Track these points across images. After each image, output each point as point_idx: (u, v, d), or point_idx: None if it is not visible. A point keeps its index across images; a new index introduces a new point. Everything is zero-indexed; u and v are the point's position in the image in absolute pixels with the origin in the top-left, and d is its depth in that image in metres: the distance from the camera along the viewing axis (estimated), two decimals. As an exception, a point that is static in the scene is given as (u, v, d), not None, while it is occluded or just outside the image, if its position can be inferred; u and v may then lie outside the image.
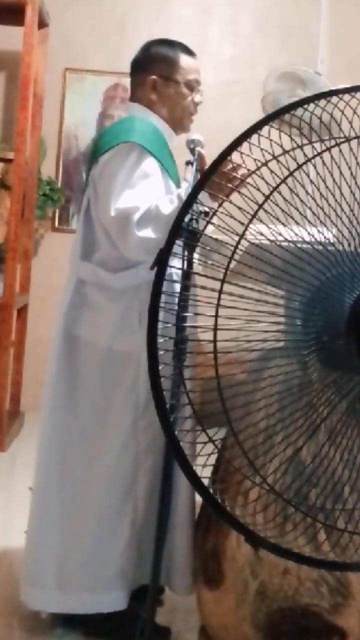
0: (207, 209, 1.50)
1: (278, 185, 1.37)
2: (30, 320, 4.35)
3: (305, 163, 1.40)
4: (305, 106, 1.39)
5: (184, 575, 2.05)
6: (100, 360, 2.03)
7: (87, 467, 2.04)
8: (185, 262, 1.55)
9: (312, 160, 1.40)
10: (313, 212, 1.41)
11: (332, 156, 1.39)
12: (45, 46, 4.33)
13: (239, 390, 1.48)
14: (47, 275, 4.33)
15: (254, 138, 1.35)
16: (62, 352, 2.07)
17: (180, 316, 1.49)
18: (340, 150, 1.39)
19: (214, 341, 1.38)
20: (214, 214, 1.48)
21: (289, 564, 1.70)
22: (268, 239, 1.42)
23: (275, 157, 1.37)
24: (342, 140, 1.40)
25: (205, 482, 1.47)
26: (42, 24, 4.20)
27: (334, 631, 1.76)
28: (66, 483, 2.05)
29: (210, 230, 1.48)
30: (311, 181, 1.39)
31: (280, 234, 1.41)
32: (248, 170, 1.40)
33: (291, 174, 1.37)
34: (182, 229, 1.45)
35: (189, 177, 1.83)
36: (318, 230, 1.42)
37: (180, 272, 1.58)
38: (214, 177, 1.49)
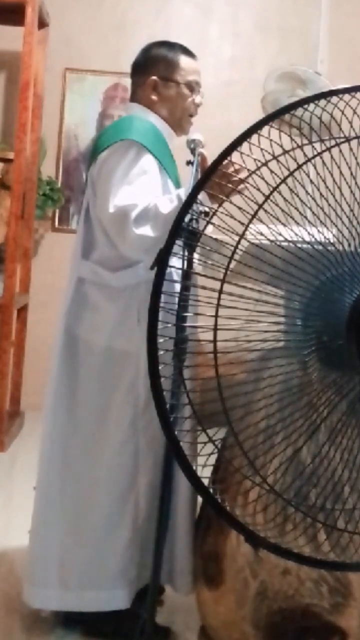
0: (207, 209, 1.50)
1: (278, 185, 1.37)
2: (30, 320, 4.35)
3: (305, 163, 1.40)
4: (305, 106, 1.39)
5: (185, 574, 2.05)
6: (100, 359, 2.04)
7: (88, 465, 2.04)
8: (185, 262, 1.55)
9: (312, 160, 1.40)
10: (313, 212, 1.41)
11: (332, 156, 1.39)
12: (45, 46, 4.33)
13: (239, 390, 1.48)
14: (47, 275, 4.33)
15: (254, 138, 1.35)
16: (63, 352, 2.07)
17: (180, 316, 1.49)
18: (340, 150, 1.39)
19: (214, 341, 1.38)
20: (214, 214, 1.48)
21: (289, 564, 1.70)
22: (268, 239, 1.42)
23: (275, 157, 1.37)
24: (342, 140, 1.40)
25: (205, 482, 1.47)
26: (42, 24, 4.20)
27: (334, 631, 1.76)
28: (68, 481, 2.05)
29: (210, 230, 1.48)
30: (311, 181, 1.39)
31: (280, 234, 1.41)
32: (248, 170, 1.40)
33: (291, 174, 1.37)
34: (182, 229, 1.46)
35: (191, 178, 1.83)
36: (318, 230, 1.42)
37: (180, 272, 1.58)
38: (214, 177, 1.49)
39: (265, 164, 1.37)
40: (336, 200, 1.40)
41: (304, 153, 1.40)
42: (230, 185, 1.56)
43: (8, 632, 2.11)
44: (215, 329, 1.37)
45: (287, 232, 1.42)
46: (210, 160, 1.78)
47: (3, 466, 3.62)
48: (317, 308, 1.46)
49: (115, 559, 2.03)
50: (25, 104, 3.87)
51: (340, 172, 1.39)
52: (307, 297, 1.46)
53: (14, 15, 3.95)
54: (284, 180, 1.37)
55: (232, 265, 1.38)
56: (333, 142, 1.41)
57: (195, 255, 1.57)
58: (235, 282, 1.38)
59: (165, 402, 1.42)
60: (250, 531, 1.47)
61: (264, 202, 1.37)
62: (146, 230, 1.86)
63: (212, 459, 1.51)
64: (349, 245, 1.45)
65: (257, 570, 1.79)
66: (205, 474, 1.48)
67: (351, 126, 1.39)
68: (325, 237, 1.43)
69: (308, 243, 1.42)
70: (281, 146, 1.39)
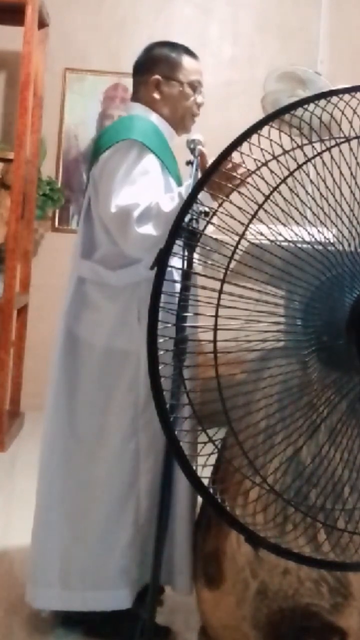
0: (207, 209, 1.50)
1: (278, 185, 1.37)
2: (30, 320, 4.35)
3: (305, 163, 1.40)
4: (305, 106, 1.39)
5: (184, 574, 2.05)
6: (100, 358, 2.04)
7: (89, 465, 2.04)
8: (185, 262, 1.55)
9: (312, 160, 1.40)
10: (313, 212, 1.41)
11: (332, 156, 1.39)
12: (45, 46, 4.33)
13: (239, 390, 1.48)
14: (47, 275, 4.33)
15: (254, 138, 1.35)
16: (63, 351, 2.07)
17: (180, 316, 1.49)
18: (340, 150, 1.39)
19: (214, 341, 1.38)
20: (214, 214, 1.48)
21: (289, 564, 1.70)
22: (268, 239, 1.42)
23: (275, 157, 1.37)
24: (342, 140, 1.40)
25: (205, 482, 1.47)
26: (42, 24, 4.20)
27: (334, 631, 1.76)
28: (69, 481, 2.05)
29: (210, 230, 1.48)
30: (311, 181, 1.39)
31: (280, 234, 1.41)
32: (248, 170, 1.40)
33: (291, 174, 1.37)
34: (182, 229, 1.46)
35: (191, 178, 1.83)
36: (318, 230, 1.42)
37: (179, 271, 1.58)
38: (214, 177, 1.49)
39: (265, 164, 1.37)
40: (336, 200, 1.40)
41: (304, 153, 1.40)
42: (230, 185, 1.56)
43: (8, 632, 2.11)
44: (215, 329, 1.37)
45: (287, 232, 1.42)
46: (210, 160, 1.79)
47: (3, 466, 3.62)
48: (317, 308, 1.46)
49: (117, 558, 2.03)
50: (25, 104, 3.87)
51: (340, 172, 1.39)
52: (307, 297, 1.46)
53: (14, 15, 3.95)
54: (284, 180, 1.37)
55: (232, 265, 1.38)
56: (333, 142, 1.41)
57: (195, 255, 1.57)
58: (235, 282, 1.38)
59: (165, 402, 1.42)
60: (250, 531, 1.47)
61: (264, 202, 1.37)
62: (148, 229, 1.87)
63: (212, 459, 1.51)
64: (349, 245, 1.45)
65: (257, 570, 1.79)
66: (205, 474, 1.48)
67: (351, 126, 1.39)
68: (325, 237, 1.43)
69: (308, 243, 1.42)
70: (281, 146, 1.39)
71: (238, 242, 1.37)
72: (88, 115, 4.62)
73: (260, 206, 1.37)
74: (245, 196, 1.40)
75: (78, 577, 2.03)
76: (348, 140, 1.40)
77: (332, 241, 1.44)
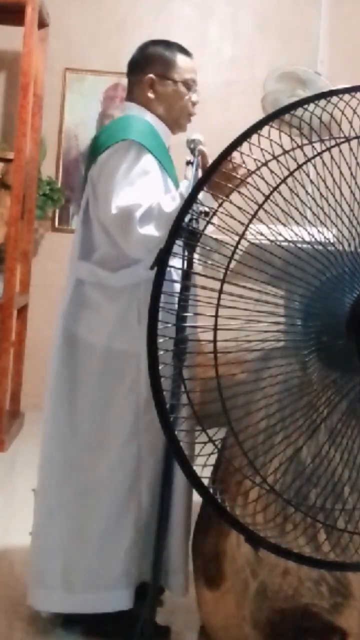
0: (207, 209, 1.50)
1: (278, 185, 1.37)
2: (30, 320, 4.34)
3: (305, 163, 1.40)
4: (305, 106, 1.39)
5: (179, 575, 2.05)
6: (100, 359, 2.03)
7: (90, 466, 2.04)
8: (185, 262, 1.55)
9: (312, 160, 1.40)
10: (313, 212, 1.41)
11: (332, 156, 1.39)
12: (45, 46, 4.33)
13: (239, 390, 1.48)
14: (47, 275, 4.33)
15: (254, 138, 1.35)
16: (62, 352, 2.07)
17: (180, 316, 1.49)
18: (340, 150, 1.39)
19: (214, 341, 1.38)
20: (214, 214, 1.48)
21: (289, 564, 1.70)
22: (268, 239, 1.42)
23: (275, 157, 1.37)
24: (342, 140, 1.40)
25: (205, 482, 1.47)
26: (42, 24, 4.19)
27: (334, 631, 1.76)
28: (69, 483, 2.05)
29: (210, 230, 1.48)
30: (311, 181, 1.39)
31: (280, 234, 1.41)
32: (248, 170, 1.40)
33: (291, 174, 1.37)
34: (182, 229, 1.46)
35: (190, 175, 1.83)
36: (318, 230, 1.42)
37: (179, 271, 1.58)
38: (214, 176, 1.49)
39: (265, 164, 1.37)
40: (336, 200, 1.40)
41: (304, 153, 1.40)
42: (230, 185, 1.56)
43: (8, 632, 2.11)
44: (215, 329, 1.37)
45: (287, 232, 1.42)
46: (211, 160, 1.78)
47: (3, 466, 3.62)
48: (317, 308, 1.46)
49: (118, 559, 2.02)
50: (25, 104, 3.87)
51: (340, 172, 1.39)
52: (307, 297, 1.46)
53: (14, 15, 3.95)
54: (284, 180, 1.37)
55: (232, 265, 1.38)
56: (333, 142, 1.41)
57: (195, 255, 1.57)
58: (235, 282, 1.38)
59: (165, 402, 1.42)
60: (250, 531, 1.47)
61: (264, 202, 1.37)
62: (150, 230, 1.86)
63: (212, 459, 1.51)
64: (349, 245, 1.45)
65: (257, 570, 1.79)
66: (205, 474, 1.48)
67: (351, 126, 1.39)
68: (325, 237, 1.43)
69: (308, 243, 1.42)
70: (281, 146, 1.39)
71: (238, 242, 1.37)
72: (88, 115, 4.62)
73: (260, 206, 1.37)
74: (245, 196, 1.40)
75: (80, 578, 2.03)
76: (348, 140, 1.40)
77: (332, 241, 1.44)
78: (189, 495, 2.05)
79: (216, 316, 1.37)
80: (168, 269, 1.41)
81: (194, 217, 1.49)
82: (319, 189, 1.38)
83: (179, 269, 1.54)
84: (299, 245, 1.42)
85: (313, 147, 1.41)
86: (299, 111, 1.40)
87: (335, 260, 1.44)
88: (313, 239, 1.43)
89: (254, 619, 1.80)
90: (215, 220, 1.47)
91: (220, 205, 1.45)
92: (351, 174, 1.41)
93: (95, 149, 2.05)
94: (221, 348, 1.38)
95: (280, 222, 1.40)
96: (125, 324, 2.02)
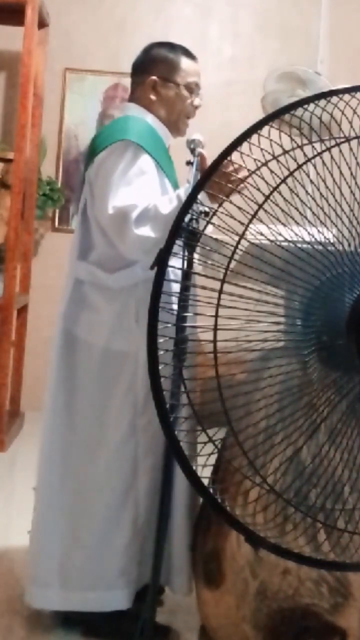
0: (207, 209, 1.50)
1: (278, 185, 1.37)
2: (30, 320, 4.34)
3: (305, 163, 1.40)
4: (305, 106, 1.39)
5: (182, 574, 2.05)
6: (98, 359, 2.04)
7: (88, 466, 2.04)
8: (185, 262, 1.55)
9: (312, 160, 1.40)
10: (313, 212, 1.41)
11: (332, 156, 1.39)
12: (45, 46, 4.32)
13: (239, 390, 1.48)
14: (47, 275, 4.33)
15: (254, 138, 1.35)
16: (61, 352, 2.07)
17: (180, 316, 1.49)
18: (340, 150, 1.39)
19: (214, 341, 1.38)
20: (214, 214, 1.48)
21: (289, 564, 1.70)
22: (268, 239, 1.42)
23: (275, 157, 1.37)
24: (342, 140, 1.40)
25: (205, 482, 1.47)
26: (42, 24, 4.19)
27: (334, 631, 1.76)
28: (68, 482, 2.05)
29: (210, 230, 1.48)
30: (311, 181, 1.39)
31: (280, 234, 1.41)
32: (248, 170, 1.40)
33: (291, 174, 1.37)
34: (182, 229, 1.45)
35: (191, 177, 1.83)
36: (318, 230, 1.42)
37: (178, 272, 1.58)
38: (214, 177, 1.49)
39: (265, 164, 1.37)
40: (336, 200, 1.40)
41: (304, 153, 1.40)
42: (230, 185, 1.56)
43: (8, 632, 2.11)
44: (215, 329, 1.37)
45: (287, 232, 1.42)
46: (210, 161, 1.78)
47: (3, 466, 3.62)
48: (317, 308, 1.46)
49: (115, 559, 2.03)
50: (25, 104, 3.87)
51: (340, 172, 1.39)
52: (307, 297, 1.46)
53: (14, 15, 3.95)
54: (284, 180, 1.37)
55: (232, 265, 1.38)
56: (333, 142, 1.41)
57: (195, 255, 1.57)
58: (235, 282, 1.38)
59: (165, 402, 1.42)
60: (250, 531, 1.47)
61: (264, 202, 1.37)
62: (146, 231, 1.86)
63: (212, 459, 1.51)
64: (349, 245, 1.45)
65: (257, 570, 1.79)
66: (205, 474, 1.48)
67: (351, 126, 1.39)
68: (325, 237, 1.42)
69: (308, 243, 1.42)
70: (281, 146, 1.39)
71: (238, 242, 1.37)
72: (88, 115, 4.62)
73: (260, 206, 1.37)
74: (245, 196, 1.40)
75: (77, 577, 2.03)
76: (348, 140, 1.40)
77: (332, 241, 1.44)
78: (191, 495, 2.05)
79: (216, 316, 1.37)
80: (168, 269, 1.41)
81: (194, 217, 1.49)
82: (319, 189, 1.38)
83: (179, 269, 1.54)
84: (299, 245, 1.42)
85: (313, 147, 1.41)
86: (299, 111, 1.40)
87: (335, 260, 1.44)
88: (313, 239, 1.43)
89: (254, 619, 1.80)
90: (215, 220, 1.47)
91: (220, 205, 1.45)
92: (351, 174, 1.41)
93: (93, 149, 2.06)
94: (221, 348, 1.38)
95: (280, 222, 1.40)
96: (123, 324, 2.02)
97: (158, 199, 1.92)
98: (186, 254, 1.54)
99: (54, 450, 2.06)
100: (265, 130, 1.36)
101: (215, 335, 1.37)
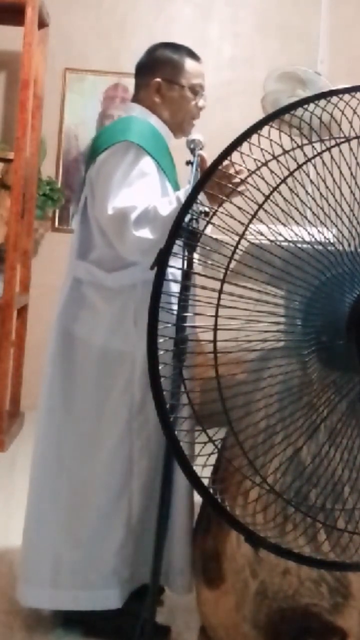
0: (207, 209, 1.50)
1: (278, 185, 1.37)
2: (30, 320, 4.34)
3: (305, 163, 1.40)
4: (305, 106, 1.39)
5: (182, 574, 2.05)
6: (96, 359, 2.04)
7: (83, 465, 2.04)
8: (185, 262, 1.55)
9: (312, 160, 1.40)
10: (313, 212, 1.41)
11: (332, 156, 1.39)
12: (45, 46, 4.33)
13: (239, 390, 1.48)
14: (47, 275, 4.31)
15: (254, 138, 1.35)
16: (59, 351, 2.07)
17: (180, 316, 1.49)
18: (340, 150, 1.39)
19: (214, 341, 1.38)
20: (214, 214, 1.48)
21: (289, 564, 1.70)
22: (268, 239, 1.42)
23: (275, 157, 1.37)
24: (342, 140, 1.40)
25: (205, 482, 1.47)
26: (42, 24, 4.19)
27: (334, 631, 1.76)
28: (62, 481, 2.05)
29: (210, 230, 1.48)
30: (311, 181, 1.39)
31: (280, 234, 1.41)
32: (248, 170, 1.40)
33: (291, 174, 1.37)
34: (182, 229, 1.45)
35: (191, 177, 1.83)
36: (318, 230, 1.42)
37: (178, 272, 1.58)
38: (214, 177, 1.49)
39: (265, 164, 1.37)
40: (336, 200, 1.40)
41: (304, 153, 1.40)
42: (230, 186, 1.56)
43: (8, 632, 2.11)
44: (215, 329, 1.37)
45: (287, 232, 1.42)
46: (210, 162, 1.78)
47: (3, 466, 3.62)
48: (317, 308, 1.46)
49: (108, 558, 2.03)
50: (25, 104, 3.87)
51: (340, 172, 1.39)
52: (307, 297, 1.46)
53: (14, 15, 3.95)
54: (284, 180, 1.37)
55: (232, 265, 1.38)
56: (333, 142, 1.41)
57: (195, 255, 1.57)
58: (235, 282, 1.38)
59: (165, 402, 1.42)
60: (250, 531, 1.47)
61: (264, 202, 1.37)
62: (145, 233, 1.86)
63: (212, 459, 1.51)
64: (349, 245, 1.45)
65: (257, 570, 1.79)
66: (205, 474, 1.48)
67: (351, 126, 1.39)
68: (325, 237, 1.42)
69: (308, 243, 1.42)
70: (281, 146, 1.39)
71: (238, 242, 1.37)
72: (88, 115, 4.62)
73: (260, 206, 1.37)
74: (245, 196, 1.40)
75: (69, 576, 2.04)
76: (348, 140, 1.40)
77: (332, 241, 1.44)
78: (190, 495, 2.05)
79: (216, 316, 1.36)
80: (168, 269, 1.41)
81: (194, 217, 1.49)
82: (319, 189, 1.38)
83: (179, 269, 1.54)
84: (299, 245, 1.42)
85: (313, 147, 1.41)
86: (299, 111, 1.40)
87: (335, 260, 1.44)
88: (313, 239, 1.43)
89: (254, 619, 1.80)
90: (215, 220, 1.47)
91: (220, 205, 1.45)
92: (351, 174, 1.41)
93: (95, 149, 2.06)
94: (221, 348, 1.38)
95: (280, 222, 1.40)
96: (122, 325, 2.02)
97: (158, 200, 1.92)
98: (186, 254, 1.54)
99: (48, 448, 2.07)
100: (265, 130, 1.36)
101: (215, 335, 1.37)
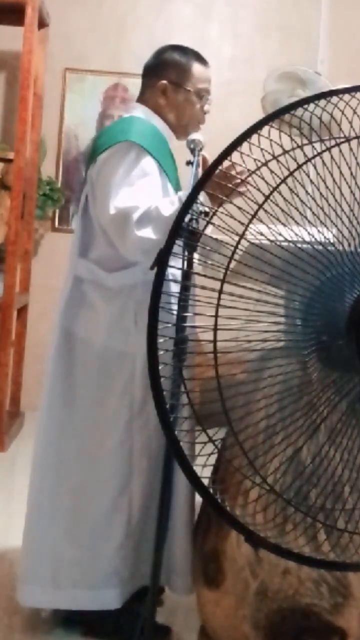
0: (207, 209, 1.50)
1: (278, 185, 1.37)
2: (30, 320, 4.35)
3: (305, 163, 1.40)
4: (305, 106, 1.39)
5: (183, 575, 2.05)
6: (97, 357, 2.04)
7: (83, 465, 2.04)
8: (185, 262, 1.55)
9: (312, 160, 1.40)
10: (313, 212, 1.41)
11: (332, 156, 1.39)
12: (45, 46, 4.33)
13: (239, 390, 1.48)
14: (47, 275, 4.33)
15: (254, 138, 1.35)
16: (59, 350, 2.07)
17: (180, 316, 1.49)
18: (340, 150, 1.39)
19: (214, 341, 1.38)
20: (214, 214, 1.48)
21: (289, 564, 1.70)
22: (268, 239, 1.42)
23: (275, 157, 1.37)
24: (342, 140, 1.40)
25: (205, 482, 1.47)
26: (42, 24, 4.19)
27: (334, 631, 1.76)
28: (62, 480, 2.05)
29: (210, 230, 1.48)
30: (311, 181, 1.39)
31: (280, 234, 1.41)
32: (248, 170, 1.40)
33: (291, 174, 1.37)
34: (182, 229, 1.45)
35: (191, 178, 1.83)
36: (318, 230, 1.42)
37: (178, 272, 1.58)
38: (214, 177, 1.49)
39: (265, 164, 1.37)
40: (336, 200, 1.40)
41: (304, 153, 1.40)
42: (230, 186, 1.56)
43: (8, 632, 2.11)
44: (215, 329, 1.37)
45: (287, 232, 1.42)
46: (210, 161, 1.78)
47: (3, 466, 3.62)
48: (317, 308, 1.46)
49: (108, 558, 2.03)
50: (25, 104, 3.87)
51: (340, 172, 1.39)
52: (307, 297, 1.46)
53: (14, 15, 3.95)
54: (284, 180, 1.37)
55: (232, 265, 1.38)
56: (333, 142, 1.41)
57: (196, 255, 1.57)
58: (235, 282, 1.38)
59: (165, 402, 1.42)
60: (250, 531, 1.47)
61: (264, 202, 1.37)
62: (147, 233, 1.86)
63: (212, 459, 1.51)
64: (349, 245, 1.45)
65: (257, 570, 1.79)
66: (205, 474, 1.48)
67: (351, 126, 1.39)
68: (325, 237, 1.43)
69: (308, 243, 1.42)
70: (281, 146, 1.39)
71: (238, 242, 1.37)
72: (88, 115, 4.62)
73: (260, 206, 1.37)
74: (245, 196, 1.40)
75: (68, 576, 2.04)
76: (348, 140, 1.40)
77: (332, 241, 1.44)
78: (191, 496, 2.05)
79: (216, 316, 1.37)
80: (167, 269, 1.41)
81: (194, 217, 1.49)
82: (319, 189, 1.38)
83: (179, 269, 1.53)
84: (299, 245, 1.42)
85: (313, 147, 1.41)
86: (299, 111, 1.40)
87: (335, 260, 1.44)
88: (313, 239, 1.43)
89: (254, 619, 1.80)
90: (215, 220, 1.47)
91: (220, 205, 1.45)
92: (351, 174, 1.41)
93: (96, 149, 2.05)
94: (221, 348, 1.38)
95: (280, 222, 1.40)
96: (122, 325, 2.02)
97: (160, 200, 1.91)
98: (186, 254, 1.54)
99: (49, 448, 2.06)
100: (265, 130, 1.36)
101: (215, 335, 1.37)
